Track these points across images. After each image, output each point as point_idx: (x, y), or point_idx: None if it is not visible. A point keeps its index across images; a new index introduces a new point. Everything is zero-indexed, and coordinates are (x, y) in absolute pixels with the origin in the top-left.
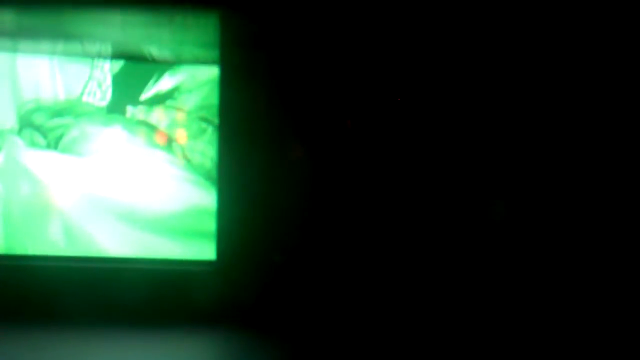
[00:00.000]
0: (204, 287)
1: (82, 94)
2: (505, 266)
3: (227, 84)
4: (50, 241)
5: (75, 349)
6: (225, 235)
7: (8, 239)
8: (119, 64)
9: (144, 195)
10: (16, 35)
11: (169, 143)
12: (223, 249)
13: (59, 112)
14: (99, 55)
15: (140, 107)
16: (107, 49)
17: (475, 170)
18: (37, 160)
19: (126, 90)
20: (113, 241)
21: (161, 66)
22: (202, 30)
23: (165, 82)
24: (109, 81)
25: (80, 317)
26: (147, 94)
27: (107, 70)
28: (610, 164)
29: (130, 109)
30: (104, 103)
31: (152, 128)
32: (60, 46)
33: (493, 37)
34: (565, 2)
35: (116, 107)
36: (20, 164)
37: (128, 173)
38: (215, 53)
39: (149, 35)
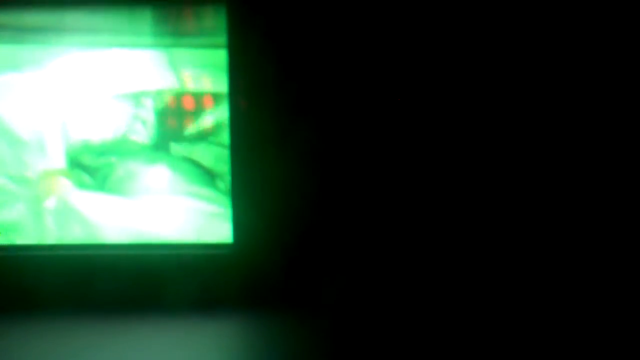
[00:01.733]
0: (221, 270)
1: (127, 132)
2: (506, 266)
3: (236, 69)
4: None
5: (91, 336)
6: (241, 217)
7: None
8: (161, 103)
9: (188, 232)
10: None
11: (214, 179)
12: (240, 232)
13: (105, 151)
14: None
15: (184, 144)
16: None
17: (475, 169)
18: (87, 201)
19: (169, 128)
20: None
21: (201, 105)
22: (210, 19)
23: (207, 119)
24: (152, 118)
25: (98, 304)
26: (190, 130)
27: (150, 108)
28: (610, 164)
29: (173, 146)
30: (148, 141)
31: (195, 164)
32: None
33: (493, 37)
34: (565, 2)
35: (160, 145)
36: (71, 205)
37: (172, 210)
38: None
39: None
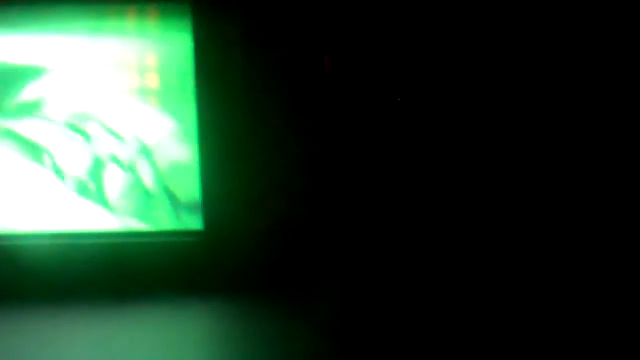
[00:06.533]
0: (192, 258)
1: None
2: (507, 265)
3: (203, 47)
4: None
5: (64, 325)
6: (211, 204)
7: None
8: None
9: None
10: None
11: (39, 154)
12: (210, 218)
13: None
14: None
15: (8, 115)
16: None
17: (475, 168)
18: None
19: None
20: None
21: (27, 73)
22: None
23: (31, 91)
24: None
25: (68, 294)
26: (13, 102)
27: None
28: (610, 164)
29: None
30: None
31: (19, 138)
32: None
33: (493, 36)
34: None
35: None
36: None
37: None
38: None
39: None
